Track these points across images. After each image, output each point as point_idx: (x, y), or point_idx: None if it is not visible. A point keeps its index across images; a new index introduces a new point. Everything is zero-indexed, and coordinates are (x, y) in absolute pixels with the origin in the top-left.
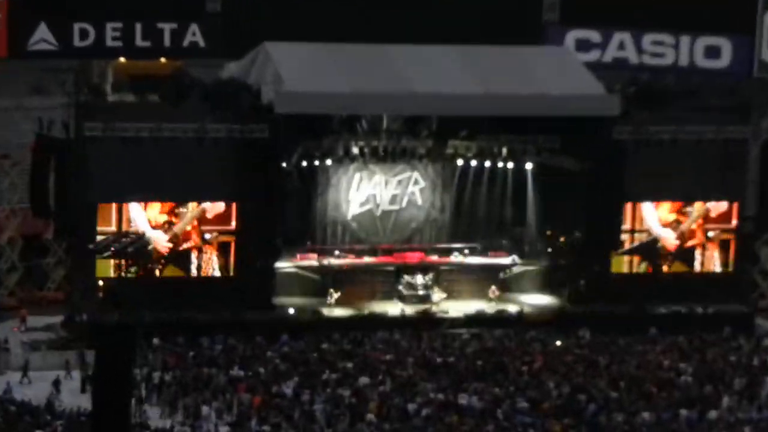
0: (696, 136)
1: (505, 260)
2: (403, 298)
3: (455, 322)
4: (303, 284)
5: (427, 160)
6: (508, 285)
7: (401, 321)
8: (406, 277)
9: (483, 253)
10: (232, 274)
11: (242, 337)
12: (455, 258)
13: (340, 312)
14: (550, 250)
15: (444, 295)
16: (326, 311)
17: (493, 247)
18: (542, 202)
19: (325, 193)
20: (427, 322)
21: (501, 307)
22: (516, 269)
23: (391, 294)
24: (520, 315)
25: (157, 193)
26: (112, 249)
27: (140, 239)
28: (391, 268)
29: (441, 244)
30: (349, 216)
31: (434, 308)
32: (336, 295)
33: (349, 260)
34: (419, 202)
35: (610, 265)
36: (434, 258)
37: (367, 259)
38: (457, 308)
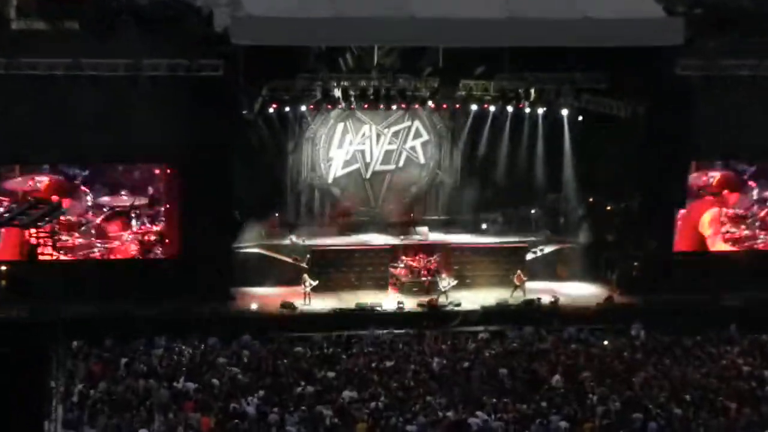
0: None
1: (535, 237)
2: (401, 287)
3: (469, 318)
4: (270, 269)
5: (431, 106)
6: (538, 269)
7: (398, 316)
8: (405, 260)
9: (505, 227)
10: (177, 256)
11: (191, 338)
12: (468, 234)
13: (318, 305)
14: (593, 222)
15: (454, 283)
16: (301, 304)
17: (519, 219)
18: (583, 159)
19: (298, 149)
20: (433, 317)
21: (529, 298)
22: (548, 248)
23: (386, 281)
24: (555, 307)
25: (76, 151)
26: (16, 222)
27: (55, 210)
28: (386, 248)
29: (450, 215)
30: (330, 179)
31: (442, 299)
32: (313, 283)
33: (331, 238)
34: (421, 160)
35: (672, 241)
36: (441, 234)
37: (354, 237)
38: (472, 299)
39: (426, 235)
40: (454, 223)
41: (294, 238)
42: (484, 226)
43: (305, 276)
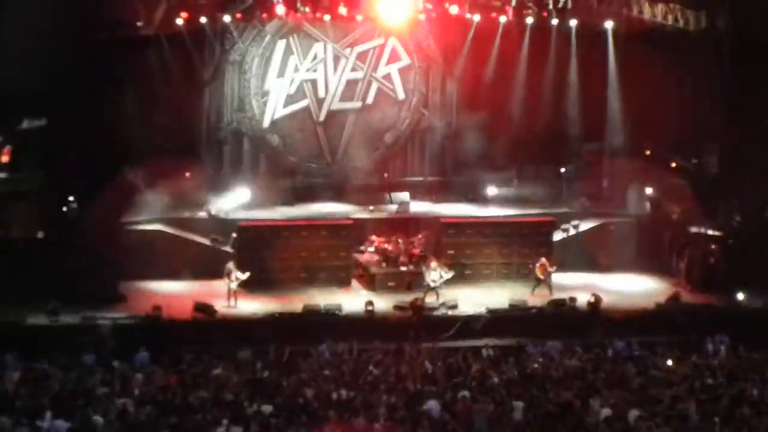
0: None
1: (566, 207)
2: (370, 281)
3: (471, 326)
4: (178, 256)
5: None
6: (571, 255)
7: (367, 324)
8: (377, 241)
9: (523, 193)
10: (37, 235)
11: (59, 356)
12: (469, 204)
13: (249, 308)
14: (650, 186)
15: (448, 275)
16: (223, 307)
17: (543, 181)
18: (634, 93)
19: (218, 79)
20: (418, 325)
21: (558, 297)
22: (586, 224)
23: (348, 273)
24: (595, 311)
25: None
26: None
27: None
28: (348, 224)
29: (442, 176)
30: (266, 123)
31: (430, 299)
32: (241, 276)
33: (267, 209)
34: (399, 94)
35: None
36: (429, 205)
37: (301, 208)
38: (474, 299)
39: (407, 205)
40: (447, 187)
41: (213, 209)
42: (491, 191)
43: (230, 265)
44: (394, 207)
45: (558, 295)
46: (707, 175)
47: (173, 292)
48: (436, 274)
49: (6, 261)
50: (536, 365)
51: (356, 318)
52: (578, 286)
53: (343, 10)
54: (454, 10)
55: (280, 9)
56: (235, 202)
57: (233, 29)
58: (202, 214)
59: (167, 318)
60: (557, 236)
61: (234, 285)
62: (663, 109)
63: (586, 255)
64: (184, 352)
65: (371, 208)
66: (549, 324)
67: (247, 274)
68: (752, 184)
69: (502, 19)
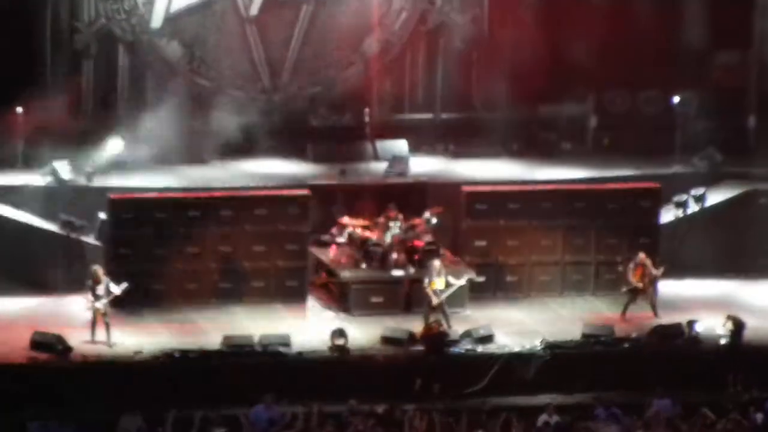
0: None
1: (679, 165)
2: (341, 295)
3: (515, 372)
4: (5, 256)
5: None
6: (689, 247)
7: (335, 369)
8: (351, 226)
9: (605, 138)
10: None
11: None
12: (511, 160)
13: (131, 342)
14: None
15: (460, 282)
16: (83, 342)
17: (639, 118)
18: None
19: None
20: (431, 369)
21: (668, 322)
22: (715, 195)
23: (302, 280)
24: (734, 347)
25: None
26: None
27: None
28: (303, 196)
29: (463, 111)
30: (156, 21)
31: (437, 321)
32: (116, 290)
33: (160, 172)
34: None
35: None
36: (441, 161)
37: (217, 169)
38: (522, 325)
39: (403, 162)
40: (474, 131)
41: (62, 169)
42: (551, 139)
43: (95, 270)
44: (382, 166)
45: (668, 318)
46: None
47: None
48: (440, 281)
49: None
50: None
51: (316, 359)
52: (703, 301)
53: None
54: None
55: None
56: (102, 156)
57: None
58: (45, 178)
59: None
60: (666, 216)
61: (101, 304)
62: None
63: (717, 248)
64: (10, 419)
65: (342, 168)
66: (653, 368)
67: (125, 286)
68: None
69: None
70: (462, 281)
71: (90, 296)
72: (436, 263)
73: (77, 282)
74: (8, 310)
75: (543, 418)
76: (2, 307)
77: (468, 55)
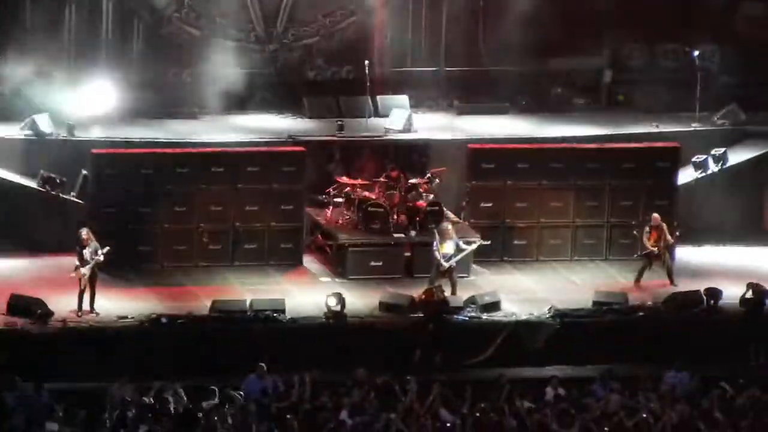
0: None
1: (699, 122)
2: (338, 258)
3: (523, 341)
4: None
5: None
6: (709, 210)
7: (332, 336)
8: (349, 186)
9: (621, 92)
10: None
11: None
12: (520, 116)
13: (116, 307)
14: None
15: (472, 246)
16: (71, 312)
17: (658, 72)
18: None
19: None
20: (432, 338)
21: (685, 290)
22: (736, 154)
23: (297, 241)
24: (756, 316)
25: None
26: None
27: None
28: (297, 153)
29: (470, 65)
30: None
31: (448, 292)
32: (100, 255)
33: (145, 126)
34: None
35: None
36: (447, 117)
37: (207, 123)
38: (531, 292)
39: (406, 117)
40: (481, 84)
41: (42, 120)
42: (563, 93)
43: (83, 232)
44: (382, 122)
45: (685, 286)
46: None
47: None
48: (450, 244)
49: None
50: (644, 415)
51: (312, 326)
52: (723, 269)
53: None
54: None
55: None
56: (86, 106)
57: None
58: (24, 131)
59: None
60: (684, 176)
61: (87, 269)
62: None
63: (738, 212)
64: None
65: (340, 122)
66: (668, 338)
67: (107, 250)
68: None
69: None
70: (473, 246)
71: (76, 260)
72: (448, 226)
73: (58, 242)
74: None
75: (550, 390)
76: None
77: (474, 4)
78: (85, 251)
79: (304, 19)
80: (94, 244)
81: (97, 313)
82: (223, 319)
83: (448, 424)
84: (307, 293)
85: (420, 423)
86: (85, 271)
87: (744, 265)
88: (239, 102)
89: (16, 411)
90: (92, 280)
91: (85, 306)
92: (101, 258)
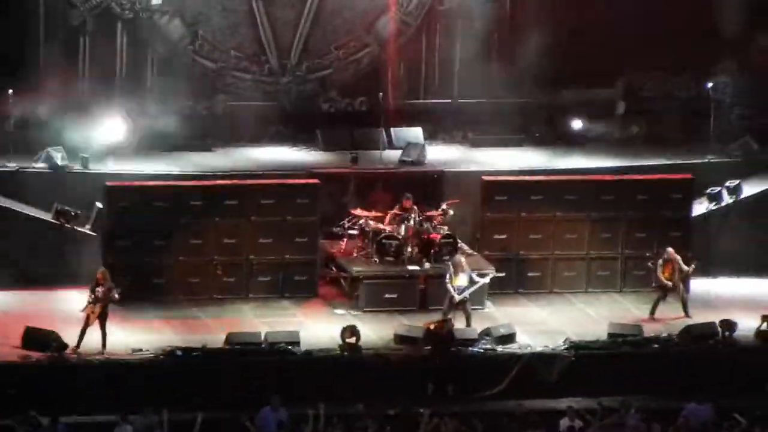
0: None
1: (713, 153)
2: (352, 290)
3: (537, 373)
4: None
5: None
6: (724, 242)
7: (346, 369)
8: (363, 218)
9: (634, 125)
10: None
11: None
12: (534, 148)
13: (127, 341)
14: None
15: (485, 279)
16: (72, 340)
17: (670, 103)
18: None
19: None
20: (442, 371)
21: (701, 322)
22: (750, 186)
23: (313, 274)
24: None
25: None
26: None
27: None
28: (311, 185)
29: (484, 97)
30: None
31: (459, 324)
32: (115, 294)
33: (160, 159)
34: None
35: None
36: (461, 150)
37: (221, 156)
38: (545, 324)
39: (420, 150)
40: (495, 116)
41: (57, 154)
42: (577, 125)
43: (99, 273)
44: (396, 154)
45: (700, 318)
46: None
47: None
48: (463, 277)
49: None
50: None
51: (326, 359)
52: (738, 300)
53: None
54: None
55: None
56: (100, 139)
57: None
58: (39, 164)
59: None
60: (698, 208)
61: (98, 308)
62: None
63: (753, 243)
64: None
65: (354, 155)
66: (684, 371)
67: (119, 292)
68: None
69: None
70: (486, 279)
71: (89, 296)
72: (461, 259)
73: (72, 275)
74: None
75: (565, 422)
76: None
77: (488, 37)
78: (98, 289)
79: (318, 51)
80: (108, 284)
81: (107, 357)
82: (238, 352)
83: None
84: (321, 325)
85: None
86: (96, 309)
87: (759, 296)
88: (253, 134)
89: None
90: (102, 320)
91: (97, 344)
92: (116, 297)
